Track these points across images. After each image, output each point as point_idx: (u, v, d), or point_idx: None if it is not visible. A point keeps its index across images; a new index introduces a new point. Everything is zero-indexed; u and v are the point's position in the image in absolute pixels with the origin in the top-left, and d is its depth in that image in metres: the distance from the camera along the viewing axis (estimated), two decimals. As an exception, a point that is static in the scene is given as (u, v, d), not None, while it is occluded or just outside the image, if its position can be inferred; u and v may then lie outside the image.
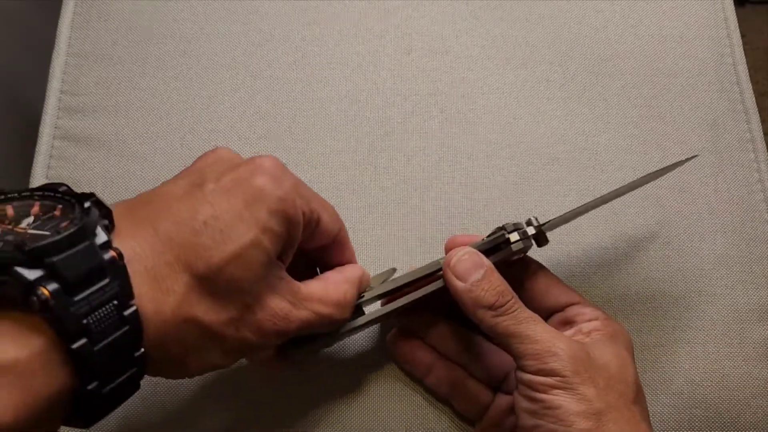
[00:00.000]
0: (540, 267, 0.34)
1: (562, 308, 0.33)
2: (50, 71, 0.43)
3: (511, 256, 0.31)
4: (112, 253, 0.22)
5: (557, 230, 0.37)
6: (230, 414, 0.36)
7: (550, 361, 0.28)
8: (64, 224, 0.22)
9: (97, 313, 0.21)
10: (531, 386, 0.28)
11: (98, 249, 0.21)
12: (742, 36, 0.45)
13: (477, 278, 0.30)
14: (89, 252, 0.21)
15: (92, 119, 0.42)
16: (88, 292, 0.21)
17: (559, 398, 0.28)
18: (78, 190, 0.40)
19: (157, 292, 0.23)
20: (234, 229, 0.25)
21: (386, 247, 0.39)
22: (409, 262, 0.38)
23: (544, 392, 0.28)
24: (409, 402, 0.36)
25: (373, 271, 0.38)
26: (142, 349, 0.23)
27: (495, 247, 0.31)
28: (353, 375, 0.36)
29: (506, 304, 0.29)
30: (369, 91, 0.42)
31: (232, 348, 0.26)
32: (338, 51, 0.44)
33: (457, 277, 0.30)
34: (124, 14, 0.45)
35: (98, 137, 0.42)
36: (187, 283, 0.24)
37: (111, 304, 0.21)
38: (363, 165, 0.41)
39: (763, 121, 0.43)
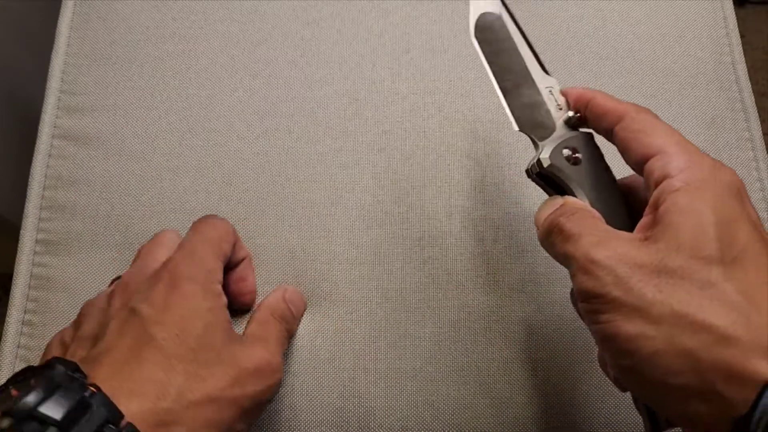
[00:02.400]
0: (626, 114, 0.28)
1: (649, 158, 0.26)
2: (49, 70, 0.43)
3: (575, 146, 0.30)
4: (90, 389, 0.25)
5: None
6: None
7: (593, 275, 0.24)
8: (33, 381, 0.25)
9: None
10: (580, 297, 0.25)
11: (77, 388, 0.25)
12: (742, 36, 0.45)
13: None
14: (68, 393, 0.24)
15: (91, 118, 0.42)
16: (79, 424, 0.24)
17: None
18: (77, 189, 0.40)
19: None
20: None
21: (384, 246, 0.39)
22: (407, 260, 0.38)
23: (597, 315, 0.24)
24: (406, 401, 0.36)
25: (374, 276, 0.38)
26: None
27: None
28: (349, 375, 0.36)
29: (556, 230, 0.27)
30: (368, 90, 0.42)
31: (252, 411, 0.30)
32: (337, 50, 0.44)
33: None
34: (123, 14, 0.45)
35: (97, 136, 0.42)
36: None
37: (107, 427, 0.24)
38: (361, 164, 0.41)
39: (762, 122, 0.43)
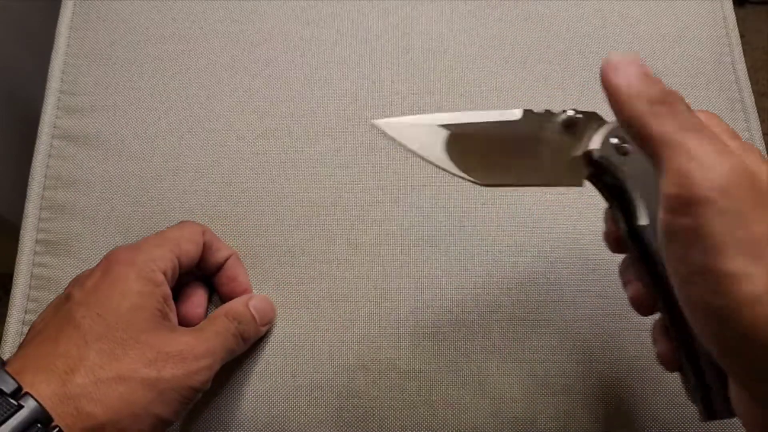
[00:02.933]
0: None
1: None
2: (49, 71, 0.43)
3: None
4: None
5: (559, 245, 0.37)
6: (224, 413, 0.36)
7: (695, 184, 0.20)
8: None
9: None
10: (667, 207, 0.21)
11: None
12: (742, 36, 0.45)
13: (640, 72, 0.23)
14: None
15: (91, 119, 0.42)
16: None
17: (709, 220, 0.20)
18: (77, 189, 0.40)
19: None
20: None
21: (384, 245, 0.39)
22: (407, 260, 0.38)
23: (679, 217, 0.21)
24: (405, 401, 0.36)
25: (373, 276, 0.38)
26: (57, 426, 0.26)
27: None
28: (348, 375, 0.36)
29: (672, 103, 0.22)
30: (368, 90, 0.43)
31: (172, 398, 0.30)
32: (337, 50, 0.44)
33: (616, 67, 0.23)
34: (122, 14, 0.45)
35: (97, 137, 0.42)
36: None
37: (2, 398, 0.26)
38: (361, 164, 0.41)
39: (762, 122, 0.43)
